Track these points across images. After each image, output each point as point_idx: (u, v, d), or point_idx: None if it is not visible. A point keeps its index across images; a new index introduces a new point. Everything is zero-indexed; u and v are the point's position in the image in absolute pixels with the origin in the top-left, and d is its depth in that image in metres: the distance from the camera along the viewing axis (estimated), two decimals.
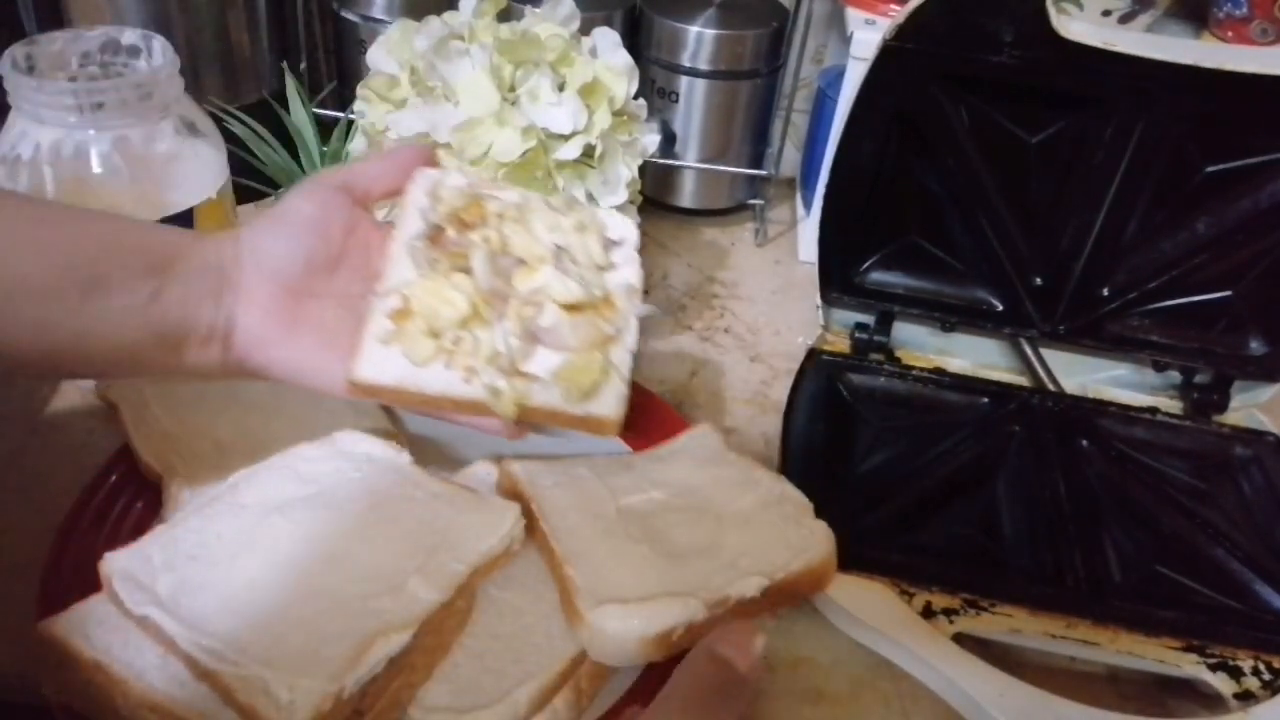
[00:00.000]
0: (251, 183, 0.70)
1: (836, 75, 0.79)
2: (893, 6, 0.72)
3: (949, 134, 0.62)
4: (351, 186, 0.48)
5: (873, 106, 0.61)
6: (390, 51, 0.63)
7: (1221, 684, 0.49)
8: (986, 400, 0.67)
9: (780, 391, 0.66)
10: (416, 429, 0.57)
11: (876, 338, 0.70)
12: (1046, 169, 0.63)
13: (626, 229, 0.51)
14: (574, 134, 0.60)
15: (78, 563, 0.46)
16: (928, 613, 0.50)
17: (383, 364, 0.44)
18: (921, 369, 0.69)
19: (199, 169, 0.60)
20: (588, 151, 0.62)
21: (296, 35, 0.84)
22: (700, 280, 0.82)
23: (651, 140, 0.67)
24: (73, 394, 0.60)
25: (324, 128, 0.71)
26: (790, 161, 0.92)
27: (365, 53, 0.65)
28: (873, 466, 0.61)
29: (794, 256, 0.86)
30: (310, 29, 0.85)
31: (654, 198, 0.86)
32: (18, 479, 0.55)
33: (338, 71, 0.88)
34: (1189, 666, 0.50)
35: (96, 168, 0.56)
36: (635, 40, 0.82)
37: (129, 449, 0.52)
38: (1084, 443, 0.64)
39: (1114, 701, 0.51)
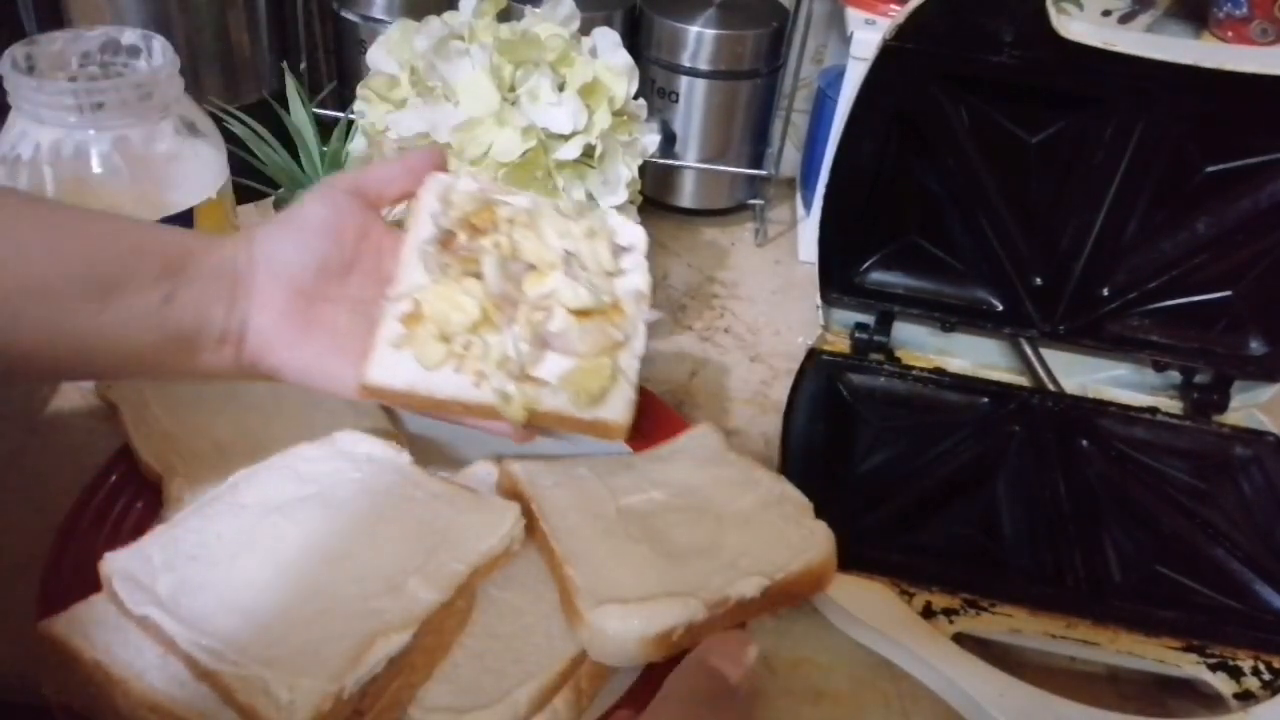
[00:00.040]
0: (251, 183, 0.70)
1: (836, 75, 0.79)
2: (893, 6, 0.72)
3: (949, 134, 0.62)
4: (364, 190, 0.48)
5: (873, 106, 0.61)
6: (390, 51, 0.63)
7: (1221, 684, 0.49)
8: (986, 400, 0.67)
9: (780, 391, 0.66)
10: (416, 429, 0.57)
11: (876, 338, 0.70)
12: (1046, 169, 0.63)
13: (636, 235, 0.51)
14: (574, 134, 0.60)
15: (78, 563, 0.46)
16: (928, 613, 0.50)
17: (394, 368, 0.45)
18: (921, 369, 0.69)
19: (199, 169, 0.60)
20: (588, 151, 0.62)
21: (296, 35, 0.84)
22: (700, 280, 0.82)
23: (651, 140, 0.67)
24: (73, 394, 0.60)
25: (324, 128, 0.71)
26: (790, 161, 0.92)
27: (365, 53, 0.66)
28: (873, 466, 0.61)
29: (794, 256, 0.86)
30: (310, 29, 0.85)
31: (654, 198, 0.86)
32: (18, 479, 0.55)
33: (338, 71, 0.88)
34: (1189, 666, 0.50)
35: (96, 168, 0.56)
36: (635, 40, 0.82)
37: (129, 449, 0.52)
38: (1084, 443, 0.64)
39: (1114, 701, 0.51)
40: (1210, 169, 0.62)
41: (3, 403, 0.60)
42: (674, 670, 0.40)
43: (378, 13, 0.81)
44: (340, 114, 0.74)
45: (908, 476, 0.60)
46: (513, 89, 0.61)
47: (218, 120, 0.64)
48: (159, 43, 0.60)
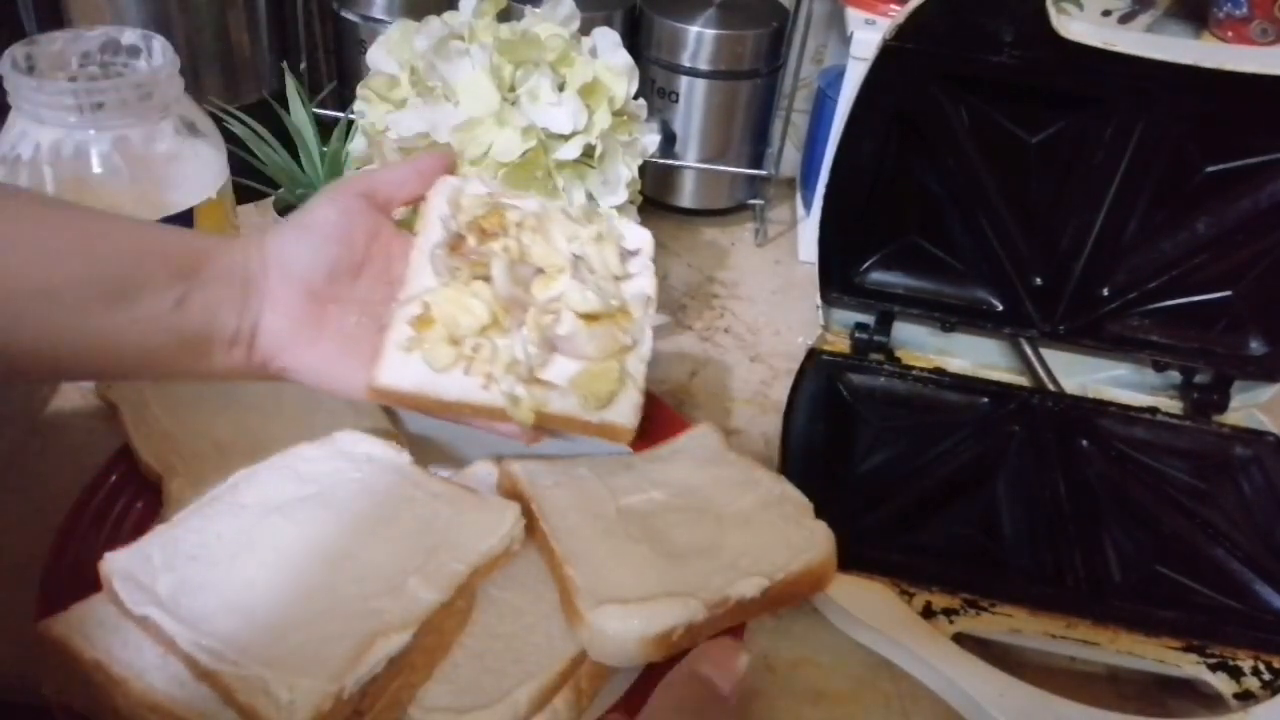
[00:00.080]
0: (251, 183, 0.70)
1: (836, 75, 0.79)
2: (893, 6, 0.72)
3: (949, 134, 0.62)
4: (374, 193, 0.48)
5: (873, 106, 0.61)
6: (390, 51, 0.63)
7: (1221, 684, 0.49)
8: (986, 400, 0.67)
9: (780, 391, 0.66)
10: (416, 429, 0.57)
11: (876, 338, 0.70)
12: (1046, 169, 0.63)
13: (642, 239, 0.52)
14: (574, 134, 0.60)
15: (78, 563, 0.46)
16: (928, 613, 0.51)
17: (403, 370, 0.45)
18: (921, 369, 0.69)
19: (199, 169, 0.60)
20: (588, 151, 0.62)
21: (296, 35, 0.84)
22: (700, 280, 0.82)
23: (651, 140, 0.67)
24: (73, 394, 0.60)
25: (324, 128, 0.71)
26: (790, 161, 0.92)
27: (365, 53, 0.65)
28: (873, 466, 0.61)
29: (794, 256, 0.86)
30: (310, 29, 0.85)
31: (654, 198, 0.86)
32: (18, 479, 0.55)
33: (338, 71, 0.88)
34: (1189, 666, 0.50)
35: (96, 168, 0.56)
36: (635, 40, 0.82)
37: (129, 449, 0.52)
38: (1084, 443, 0.64)
39: (1114, 701, 0.51)
40: (1210, 169, 0.62)
41: (3, 403, 0.60)
42: (663, 680, 0.40)
43: (378, 13, 0.81)
44: (340, 114, 0.74)
45: (908, 476, 0.60)
46: (513, 89, 0.61)
47: (218, 120, 0.64)
48: (159, 43, 0.60)
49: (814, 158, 0.86)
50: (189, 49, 0.75)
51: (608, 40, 0.64)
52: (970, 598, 0.51)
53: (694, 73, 0.81)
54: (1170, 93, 0.59)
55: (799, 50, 0.81)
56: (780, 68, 0.83)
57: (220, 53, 0.78)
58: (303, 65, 0.84)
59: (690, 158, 0.85)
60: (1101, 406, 0.68)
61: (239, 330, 0.45)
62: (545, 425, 0.47)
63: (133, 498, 0.51)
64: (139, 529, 0.46)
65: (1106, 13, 0.81)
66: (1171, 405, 0.69)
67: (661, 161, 0.84)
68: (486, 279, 0.47)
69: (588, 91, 0.61)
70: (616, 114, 0.63)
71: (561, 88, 0.61)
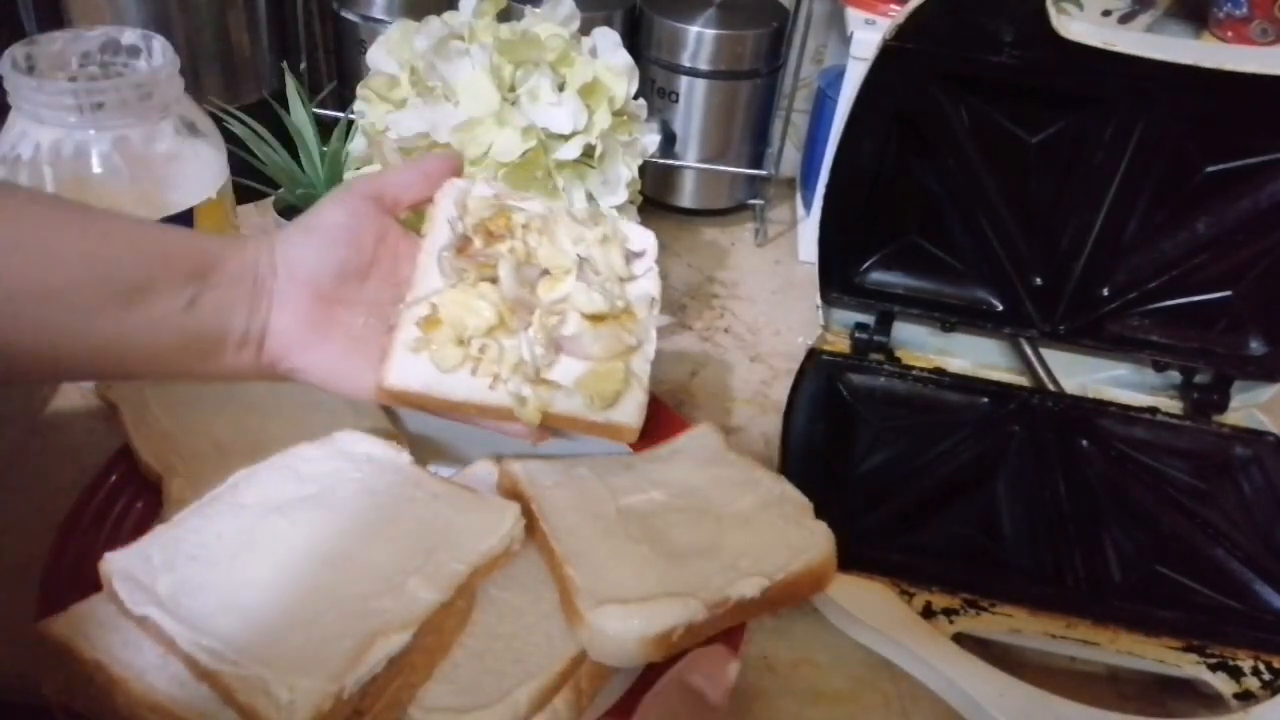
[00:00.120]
0: (251, 183, 0.70)
1: (836, 75, 0.79)
2: (893, 6, 0.72)
3: (949, 134, 0.62)
4: (381, 195, 0.49)
5: (873, 106, 0.61)
6: (390, 51, 0.63)
7: (1221, 684, 0.49)
8: (986, 400, 0.67)
9: (780, 391, 0.66)
10: (416, 429, 0.57)
11: (876, 338, 0.70)
12: (1046, 169, 0.63)
13: (647, 241, 0.52)
14: (574, 134, 0.60)
15: (78, 563, 0.46)
16: (928, 613, 0.50)
17: (411, 371, 0.46)
18: (921, 369, 0.69)
19: (199, 169, 0.60)
20: (588, 151, 0.62)
21: (296, 35, 0.84)
22: (700, 280, 0.82)
23: (651, 140, 0.67)
24: (73, 394, 0.60)
25: (324, 128, 0.71)
26: (790, 161, 0.92)
27: (365, 53, 0.65)
28: (873, 466, 0.61)
29: (794, 256, 0.86)
30: (310, 29, 0.85)
31: (654, 198, 0.86)
32: (18, 479, 0.55)
33: (338, 71, 0.88)
34: (1189, 666, 0.50)
35: (96, 168, 0.56)
36: (635, 40, 0.82)
37: (129, 449, 0.52)
38: (1084, 443, 0.64)
39: (1114, 701, 0.51)
40: (1210, 169, 0.62)
41: (3, 402, 0.60)
42: (652, 689, 0.39)
43: (378, 13, 0.81)
44: (340, 114, 0.74)
45: (908, 476, 0.60)
46: (513, 89, 0.61)
47: (218, 120, 0.64)
48: (159, 43, 0.60)
49: (814, 158, 0.86)
50: (189, 49, 0.75)
51: (608, 40, 0.64)
52: (970, 598, 0.51)
53: (694, 73, 0.81)
54: (1170, 93, 0.59)
55: (799, 50, 0.81)
56: (780, 68, 0.83)
57: (220, 53, 0.78)
58: (303, 65, 0.84)
59: (690, 158, 0.85)
60: (1101, 406, 0.68)
61: (248, 331, 0.45)
62: (551, 425, 0.48)
63: (133, 498, 0.51)
64: (139, 529, 0.46)
65: (1106, 13, 0.81)
66: (1171, 405, 0.69)
67: (661, 161, 0.83)
68: (493, 280, 0.48)
69: (588, 91, 0.61)
70: (616, 114, 0.63)
71: (561, 88, 0.61)
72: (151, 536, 0.43)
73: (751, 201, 0.90)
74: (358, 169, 0.66)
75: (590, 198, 0.63)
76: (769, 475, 0.52)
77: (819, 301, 0.70)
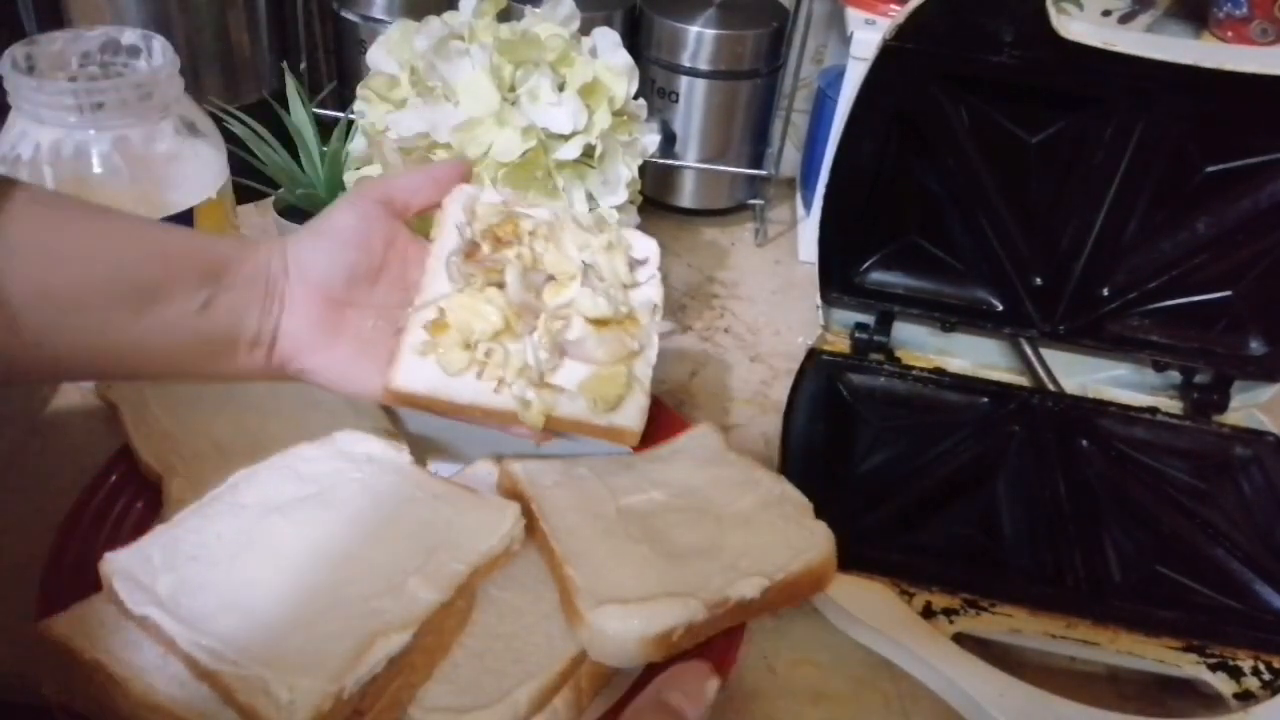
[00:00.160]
0: (251, 183, 0.70)
1: (836, 75, 0.79)
2: (893, 6, 0.72)
3: (949, 134, 0.62)
4: (391, 200, 0.50)
5: (873, 106, 0.61)
6: (390, 51, 0.63)
7: (1221, 684, 0.49)
8: (986, 400, 0.67)
9: (780, 391, 0.66)
10: (416, 429, 0.57)
11: (876, 338, 0.69)
12: (1046, 169, 0.63)
13: (650, 248, 0.53)
14: (574, 134, 0.60)
15: (78, 563, 0.46)
16: (928, 613, 0.50)
17: (418, 374, 0.47)
18: (921, 369, 0.69)
19: (199, 169, 0.60)
20: (588, 151, 0.62)
21: (296, 35, 0.84)
22: (700, 280, 0.82)
23: (651, 140, 0.67)
24: (73, 394, 0.60)
25: (324, 128, 0.71)
26: (790, 161, 0.92)
27: (365, 53, 0.66)
28: (873, 466, 0.61)
29: (794, 256, 0.86)
30: (310, 29, 0.85)
31: (654, 198, 0.86)
32: (18, 479, 0.55)
33: (338, 71, 0.88)
34: (1189, 666, 0.50)
35: (96, 168, 0.56)
36: (635, 40, 0.82)
37: (129, 449, 0.52)
38: (1084, 443, 0.64)
39: (1114, 701, 0.51)
40: (1210, 169, 0.62)
41: (3, 402, 0.60)
42: (630, 707, 0.39)
43: (378, 13, 0.81)
44: (340, 114, 0.74)
45: (908, 476, 0.60)
46: (513, 89, 0.61)
47: (218, 120, 0.64)
48: (159, 43, 0.60)
49: (814, 158, 0.86)
50: (189, 49, 0.75)
51: (608, 40, 0.64)
52: (970, 598, 0.51)
53: (694, 73, 0.81)
54: (1170, 93, 0.59)
55: (799, 50, 0.81)
56: (780, 68, 0.83)
57: (220, 53, 0.78)
58: (303, 65, 0.84)
59: (690, 158, 0.85)
60: (1101, 406, 0.68)
61: (259, 332, 0.46)
62: (554, 428, 0.49)
63: (133, 498, 0.51)
64: (139, 529, 0.46)
65: (1106, 13, 0.81)
66: (1171, 405, 0.69)
67: (661, 161, 0.83)
68: (500, 285, 0.49)
69: (588, 91, 0.61)
70: (616, 114, 0.63)
71: (561, 88, 0.61)
72: (151, 536, 0.43)
73: (751, 201, 0.90)
74: (358, 169, 0.66)
75: (590, 198, 0.63)
76: (769, 475, 0.52)
77: (819, 301, 0.70)
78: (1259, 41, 0.81)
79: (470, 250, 0.50)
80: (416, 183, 0.51)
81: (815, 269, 0.69)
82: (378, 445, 0.50)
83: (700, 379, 0.71)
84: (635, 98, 0.65)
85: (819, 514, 0.49)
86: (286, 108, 0.69)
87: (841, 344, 0.70)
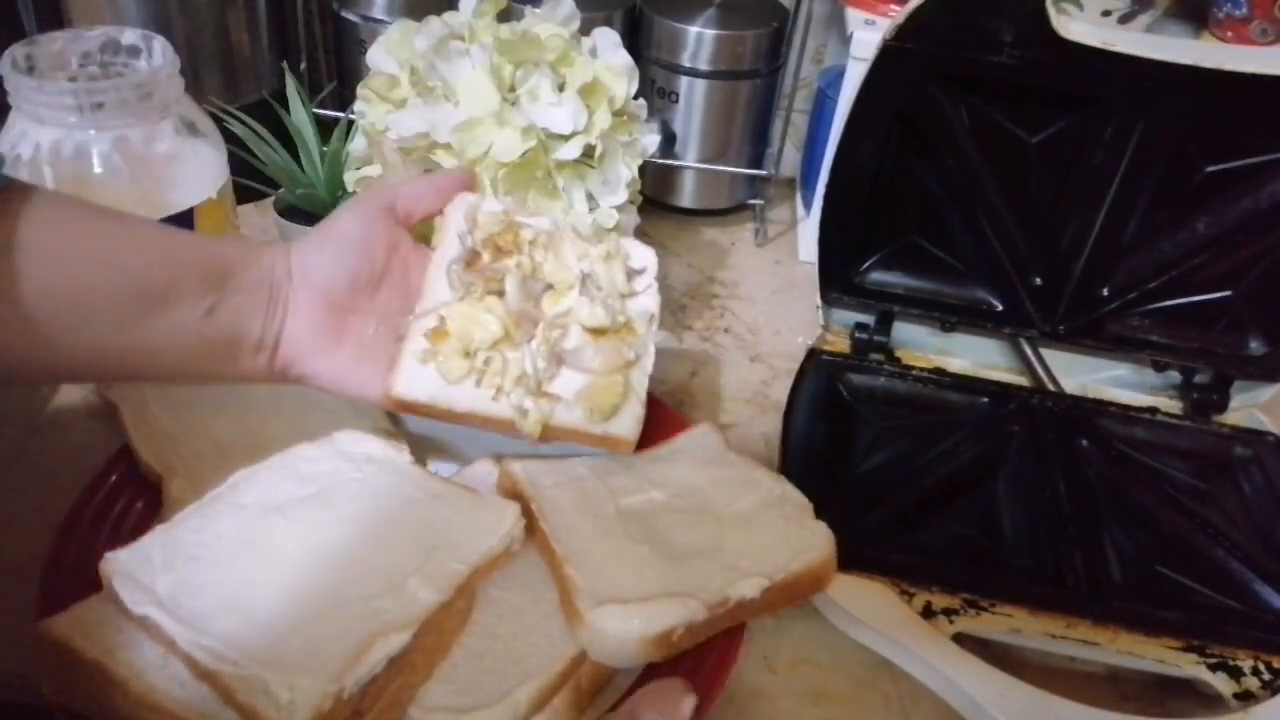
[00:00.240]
0: (251, 183, 0.70)
1: (836, 75, 0.79)
2: (893, 6, 0.72)
3: (949, 134, 0.62)
4: (394, 208, 0.50)
5: (873, 106, 0.61)
6: (390, 51, 0.63)
7: (1221, 684, 0.49)
8: (986, 400, 0.67)
9: (780, 391, 0.66)
10: (416, 429, 0.57)
11: (876, 338, 0.69)
12: (1046, 169, 0.63)
13: (648, 258, 0.54)
14: (574, 134, 0.60)
15: (78, 563, 0.46)
16: (928, 613, 0.50)
17: (418, 381, 0.48)
18: (921, 369, 0.69)
19: (199, 169, 0.60)
20: (588, 151, 0.62)
21: (296, 35, 0.84)
22: (700, 280, 0.82)
23: (651, 140, 0.67)
24: (73, 394, 0.60)
25: (324, 128, 0.71)
26: (790, 161, 0.92)
27: (365, 53, 0.65)
28: (873, 466, 0.61)
29: (794, 256, 0.86)
30: (310, 29, 0.85)
31: (654, 198, 0.86)
32: (18, 479, 0.55)
33: (338, 71, 0.88)
34: (1189, 666, 0.50)
35: (96, 168, 0.56)
36: (635, 40, 0.82)
37: (129, 449, 0.52)
38: (1084, 443, 0.64)
39: (1114, 701, 0.51)
40: (1210, 169, 0.62)
41: (3, 402, 0.60)
42: None
43: (378, 13, 0.81)
44: (340, 114, 0.74)
45: (908, 476, 0.60)
46: (513, 89, 0.61)
47: (218, 120, 0.64)
48: (159, 43, 0.60)
49: (814, 158, 0.86)
50: (189, 49, 0.75)
51: (608, 40, 0.64)
52: (970, 598, 0.51)
53: (694, 73, 0.81)
54: (1170, 93, 0.59)
55: (799, 50, 0.81)
56: (780, 68, 0.83)
57: (220, 53, 0.78)
58: (303, 65, 0.84)
59: (690, 158, 0.85)
60: (1101, 406, 0.68)
61: (263, 337, 0.46)
62: (551, 437, 0.49)
63: (133, 498, 0.51)
64: (139, 529, 0.46)
65: (1106, 13, 0.81)
66: (1171, 405, 0.69)
67: (661, 161, 0.83)
68: (500, 294, 0.49)
69: (588, 91, 0.61)
70: (616, 114, 0.63)
71: (561, 88, 0.61)
72: (151, 536, 0.43)
73: (751, 201, 0.90)
74: (358, 169, 0.66)
75: (590, 198, 0.63)
76: (769, 475, 0.52)
77: (819, 301, 0.70)
78: (1259, 41, 0.81)
79: (471, 259, 0.50)
80: (420, 191, 0.52)
81: (815, 269, 0.69)
82: (377, 445, 0.50)
83: (700, 379, 0.71)
84: (635, 98, 0.65)
85: (819, 514, 0.50)
86: (286, 108, 0.69)
87: (841, 344, 0.70)
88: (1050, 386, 0.69)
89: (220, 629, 0.39)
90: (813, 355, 0.68)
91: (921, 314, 0.69)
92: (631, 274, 0.53)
